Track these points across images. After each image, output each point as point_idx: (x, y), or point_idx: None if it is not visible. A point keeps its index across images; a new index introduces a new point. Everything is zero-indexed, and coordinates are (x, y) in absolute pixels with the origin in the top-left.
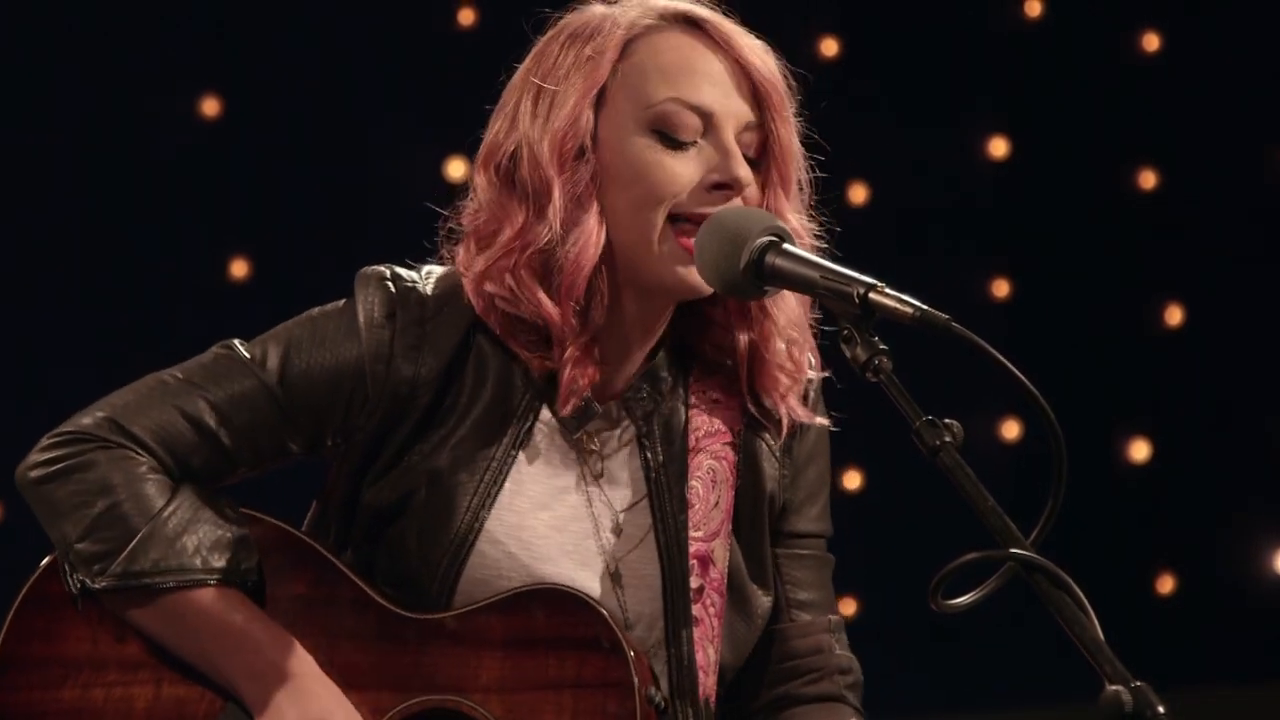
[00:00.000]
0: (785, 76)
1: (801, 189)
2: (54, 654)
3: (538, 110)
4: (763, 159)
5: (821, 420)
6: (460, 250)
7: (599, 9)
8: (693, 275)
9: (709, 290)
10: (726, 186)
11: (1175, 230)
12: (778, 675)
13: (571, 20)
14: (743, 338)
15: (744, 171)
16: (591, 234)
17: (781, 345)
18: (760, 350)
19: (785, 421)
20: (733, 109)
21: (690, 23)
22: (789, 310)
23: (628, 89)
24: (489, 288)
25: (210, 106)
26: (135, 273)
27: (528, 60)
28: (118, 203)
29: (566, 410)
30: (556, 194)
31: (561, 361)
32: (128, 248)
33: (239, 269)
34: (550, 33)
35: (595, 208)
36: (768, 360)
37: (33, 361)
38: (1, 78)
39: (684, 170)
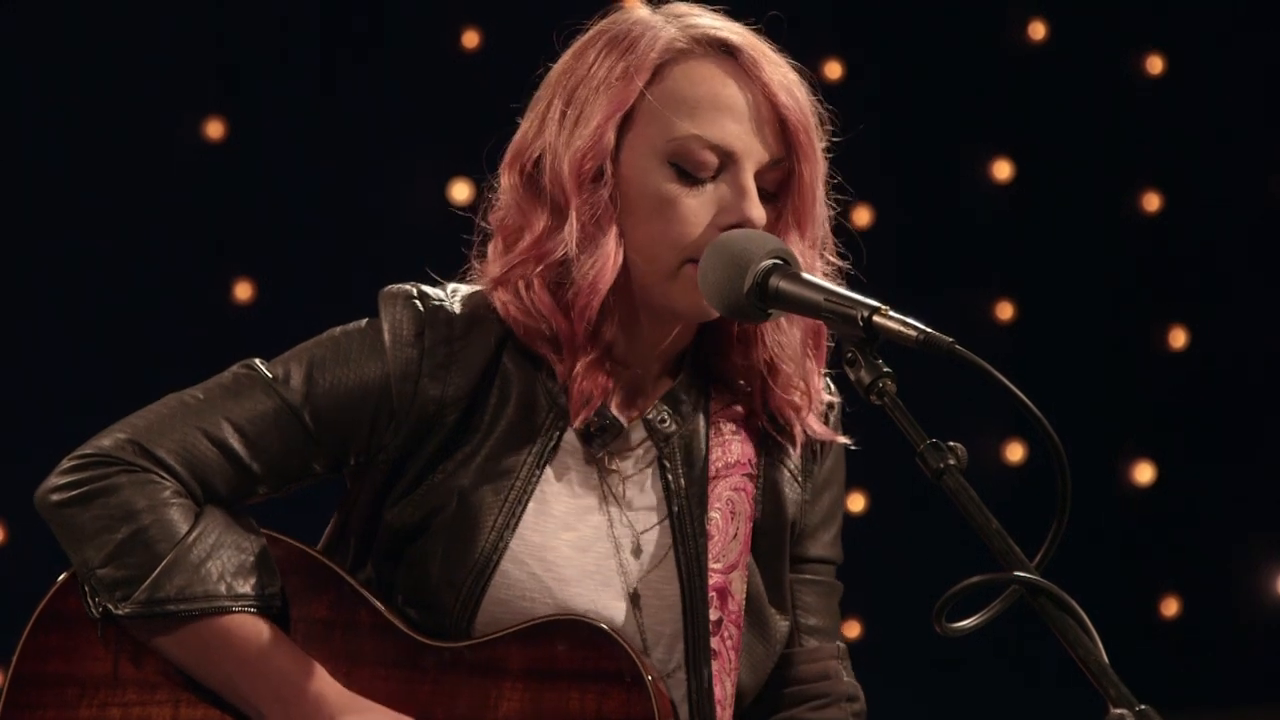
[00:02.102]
0: (818, 112)
1: (817, 229)
2: (70, 673)
3: (565, 119)
4: (782, 196)
5: (842, 439)
6: (489, 248)
7: (642, 14)
8: (704, 301)
9: (717, 314)
10: (738, 227)
11: (1179, 252)
12: (784, 699)
13: (612, 24)
14: (759, 354)
15: (757, 212)
16: (609, 257)
17: (794, 363)
18: (776, 366)
19: (800, 439)
20: (754, 147)
21: (725, 51)
22: (801, 331)
23: (652, 116)
24: (502, 295)
25: (214, 129)
26: (139, 294)
27: (566, 58)
28: (121, 224)
29: (577, 423)
30: (573, 213)
31: (572, 375)
32: (131, 269)
33: (243, 291)
34: (590, 33)
35: (614, 230)
36: (782, 376)
37: (35, 383)
38: (4, 99)
39: (699, 209)
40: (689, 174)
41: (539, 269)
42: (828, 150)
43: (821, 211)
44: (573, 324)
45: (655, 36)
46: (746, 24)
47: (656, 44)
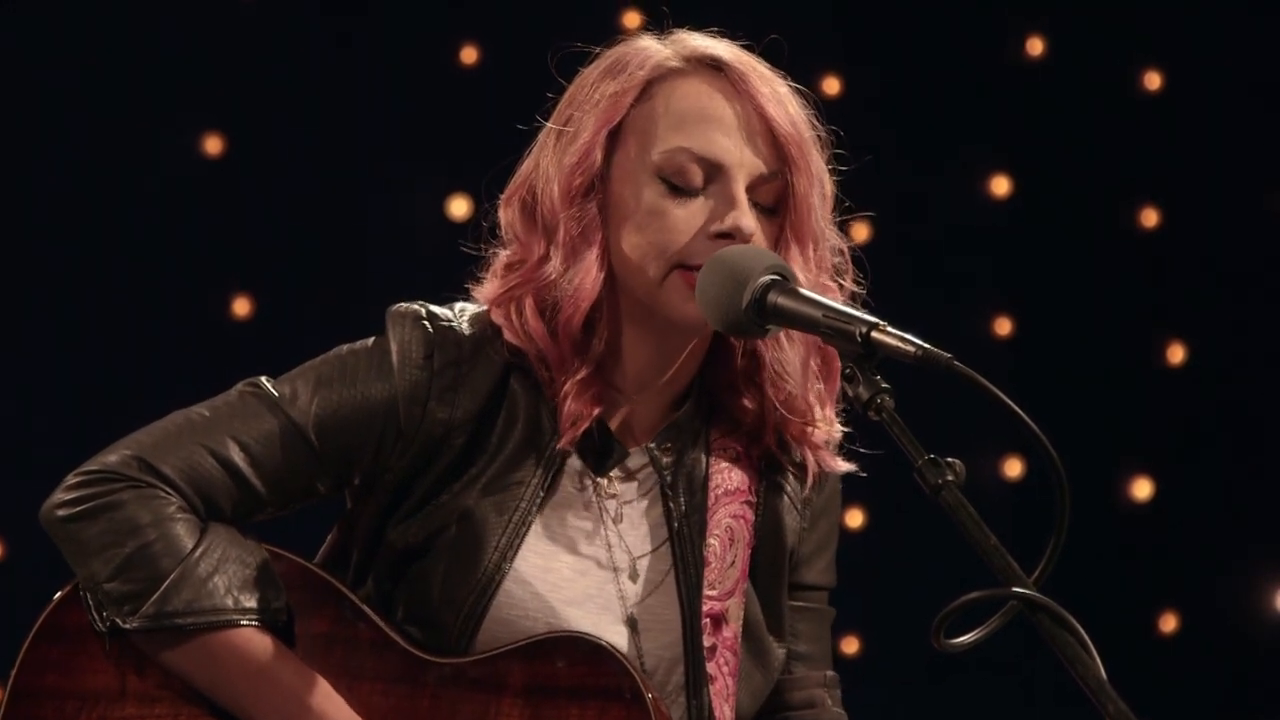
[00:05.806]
0: (815, 127)
1: (817, 247)
2: (69, 687)
3: (558, 145)
4: (781, 211)
5: (847, 467)
6: (488, 274)
7: (641, 43)
8: (698, 310)
9: (713, 327)
10: (729, 236)
11: (1177, 268)
12: None
13: (612, 53)
14: (772, 396)
15: (747, 221)
16: (591, 270)
17: (797, 383)
18: (790, 409)
19: (813, 471)
20: (745, 159)
21: (714, 67)
22: (804, 352)
23: (640, 131)
24: (495, 316)
25: (213, 144)
26: (138, 310)
27: (567, 91)
28: (121, 239)
29: (563, 442)
30: (561, 228)
31: (562, 394)
32: (130, 285)
33: (241, 307)
34: (592, 65)
35: (599, 245)
36: (792, 401)
37: (32, 400)
38: (4, 114)
39: (689, 219)
40: (677, 187)
41: (529, 289)
42: (832, 174)
43: (822, 229)
44: (558, 340)
45: (647, 57)
46: (744, 44)
47: (647, 64)
